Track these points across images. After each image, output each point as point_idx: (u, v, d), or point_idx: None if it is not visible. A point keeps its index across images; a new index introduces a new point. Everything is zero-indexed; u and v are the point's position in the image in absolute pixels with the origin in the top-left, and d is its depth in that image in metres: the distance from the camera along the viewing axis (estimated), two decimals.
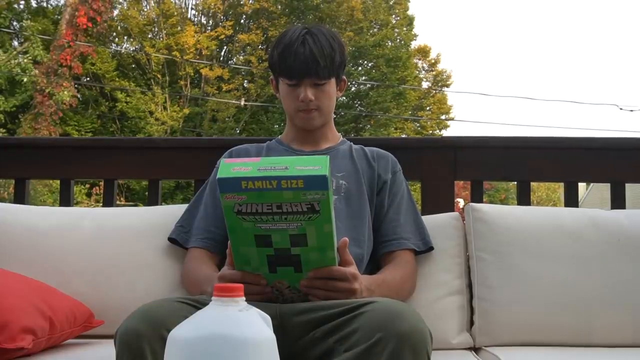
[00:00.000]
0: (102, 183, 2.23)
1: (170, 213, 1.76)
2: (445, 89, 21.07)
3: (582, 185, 15.84)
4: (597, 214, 1.76)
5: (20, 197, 2.13)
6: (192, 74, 17.90)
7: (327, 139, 1.70)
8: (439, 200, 1.99)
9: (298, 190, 1.10)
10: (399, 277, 1.53)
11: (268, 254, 1.20)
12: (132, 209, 1.94)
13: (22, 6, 16.97)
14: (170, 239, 1.68)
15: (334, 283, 1.26)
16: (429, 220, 1.75)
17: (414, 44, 20.34)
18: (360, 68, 19.66)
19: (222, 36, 18.37)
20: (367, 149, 1.72)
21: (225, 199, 1.13)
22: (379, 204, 1.63)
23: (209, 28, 19.05)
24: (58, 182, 2.25)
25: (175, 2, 18.99)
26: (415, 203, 1.70)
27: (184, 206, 1.72)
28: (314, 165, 1.12)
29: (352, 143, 1.73)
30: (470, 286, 1.72)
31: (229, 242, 1.23)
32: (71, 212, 1.85)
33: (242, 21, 19.62)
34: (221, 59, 19.10)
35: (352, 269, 1.29)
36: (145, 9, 18.88)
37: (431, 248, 1.66)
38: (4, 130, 14.01)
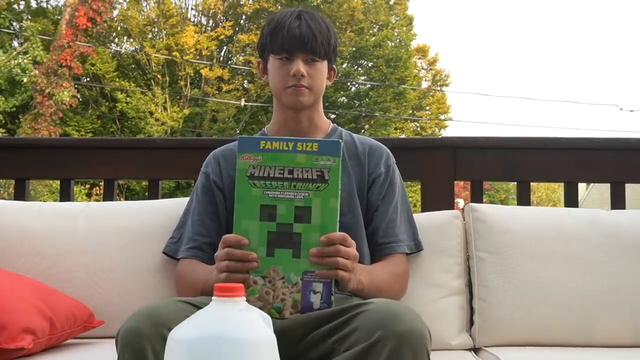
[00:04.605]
0: (102, 183, 2.23)
1: (170, 213, 1.74)
2: (445, 88, 21.07)
3: (582, 185, 15.83)
4: (597, 214, 1.76)
5: (20, 197, 2.13)
6: (192, 75, 17.89)
7: (316, 128, 1.59)
8: (439, 200, 1.99)
9: (312, 154, 1.20)
10: (388, 272, 1.49)
11: (269, 230, 1.21)
12: (131, 205, 1.91)
13: (22, 6, 16.98)
14: (164, 253, 1.64)
15: (346, 249, 1.22)
16: (428, 218, 1.75)
17: (414, 44, 20.35)
18: (360, 68, 19.66)
19: (222, 36, 18.36)
20: (357, 140, 1.62)
21: (241, 160, 1.22)
22: (369, 201, 1.57)
23: (209, 28, 19.04)
24: (58, 182, 2.25)
25: (175, 3, 18.99)
26: (408, 200, 1.65)
27: (184, 200, 1.70)
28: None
29: (342, 131, 1.64)
30: (470, 286, 1.72)
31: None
32: (70, 210, 1.82)
33: (241, 21, 19.61)
34: (221, 59, 19.10)
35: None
36: (145, 9, 18.87)
37: (421, 249, 1.62)
38: (4, 131, 14.01)
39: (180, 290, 1.56)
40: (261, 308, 1.19)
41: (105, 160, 2.14)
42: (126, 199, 13.92)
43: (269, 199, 1.21)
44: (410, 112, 19.80)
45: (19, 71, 13.45)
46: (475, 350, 1.65)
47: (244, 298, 0.88)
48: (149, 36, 18.46)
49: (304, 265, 1.22)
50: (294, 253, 1.22)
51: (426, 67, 21.36)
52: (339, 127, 1.66)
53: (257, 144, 1.22)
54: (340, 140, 1.23)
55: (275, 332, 0.89)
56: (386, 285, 1.46)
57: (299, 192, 1.20)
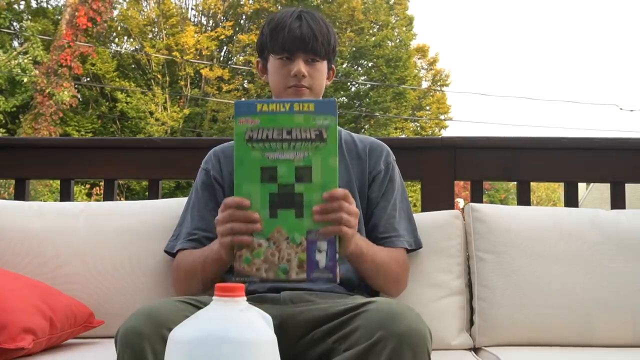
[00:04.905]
0: (102, 183, 2.23)
1: (170, 213, 1.74)
2: (445, 88, 21.08)
3: (582, 185, 15.84)
4: (597, 214, 1.76)
5: (20, 197, 2.13)
6: (192, 75, 17.90)
7: None
8: (439, 200, 1.99)
9: (309, 114, 1.20)
10: (386, 252, 1.49)
11: (271, 192, 1.21)
12: (131, 205, 1.91)
13: (22, 6, 16.99)
14: (165, 251, 1.63)
15: (349, 205, 1.21)
16: (428, 218, 1.75)
17: (414, 44, 20.36)
18: (360, 68, 19.67)
19: (222, 36, 18.38)
20: (357, 139, 1.63)
21: (239, 123, 1.21)
22: (369, 199, 1.57)
23: (209, 28, 19.05)
24: (58, 182, 2.25)
25: (175, 3, 19.00)
26: (408, 198, 1.65)
27: (184, 200, 1.70)
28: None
29: (342, 130, 1.64)
30: (470, 286, 1.72)
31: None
32: (70, 210, 1.82)
33: (242, 21, 19.62)
34: (221, 59, 19.11)
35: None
36: (145, 9, 18.88)
37: (420, 247, 1.61)
38: (4, 131, 14.02)
39: (178, 282, 1.54)
40: (267, 270, 1.20)
41: (105, 160, 2.14)
42: (126, 199, 13.92)
43: (269, 160, 1.21)
44: (410, 112, 19.81)
45: (19, 71, 13.46)
46: (476, 350, 1.65)
47: (245, 298, 0.88)
48: (149, 36, 18.48)
49: (307, 224, 1.21)
50: (297, 213, 1.21)
51: (426, 67, 21.38)
52: (339, 127, 1.65)
53: (254, 106, 1.22)
54: (335, 99, 1.23)
55: (275, 330, 0.89)
56: (383, 263, 1.46)
57: (299, 152, 1.20)
